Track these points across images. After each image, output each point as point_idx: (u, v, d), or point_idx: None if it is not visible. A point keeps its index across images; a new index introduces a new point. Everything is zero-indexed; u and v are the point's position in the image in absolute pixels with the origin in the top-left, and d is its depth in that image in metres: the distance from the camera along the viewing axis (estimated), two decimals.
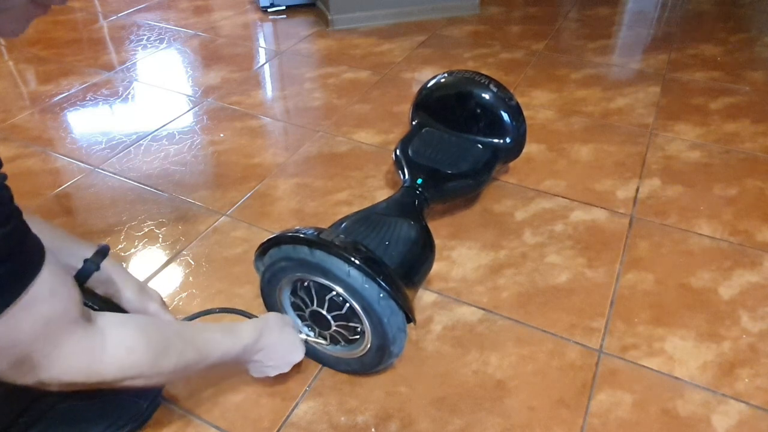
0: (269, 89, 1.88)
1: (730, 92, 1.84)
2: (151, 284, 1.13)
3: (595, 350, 1.01)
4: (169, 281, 1.15)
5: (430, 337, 1.03)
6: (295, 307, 0.94)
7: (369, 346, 0.88)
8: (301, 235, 0.83)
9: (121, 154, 1.52)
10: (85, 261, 0.81)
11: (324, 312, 0.87)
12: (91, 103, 1.76)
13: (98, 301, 0.86)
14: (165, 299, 1.10)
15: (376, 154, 1.52)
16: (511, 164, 1.46)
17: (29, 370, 0.56)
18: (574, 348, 1.01)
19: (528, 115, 1.39)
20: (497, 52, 2.10)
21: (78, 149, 1.54)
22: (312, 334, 0.94)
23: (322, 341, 0.94)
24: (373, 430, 0.89)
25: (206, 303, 1.10)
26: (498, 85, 1.30)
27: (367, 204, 1.30)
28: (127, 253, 1.21)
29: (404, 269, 0.94)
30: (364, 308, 0.83)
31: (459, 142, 1.28)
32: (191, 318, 1.00)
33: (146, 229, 1.27)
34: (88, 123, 1.66)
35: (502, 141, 1.30)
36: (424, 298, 1.11)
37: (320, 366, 0.98)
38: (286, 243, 0.85)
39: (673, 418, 0.91)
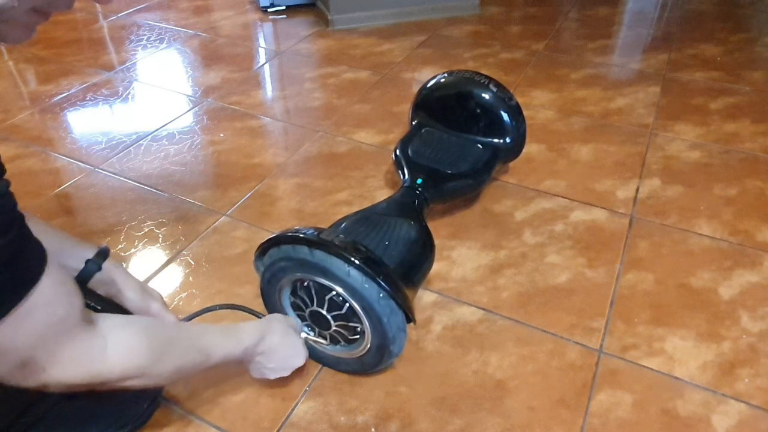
0: (269, 89, 1.88)
1: (730, 92, 1.84)
2: (151, 284, 1.13)
3: (595, 350, 1.01)
4: (169, 281, 1.15)
5: (430, 337, 1.03)
6: (295, 307, 0.94)
7: (369, 345, 0.88)
8: (301, 235, 0.83)
9: (121, 154, 1.52)
10: (87, 262, 0.81)
11: (324, 312, 0.87)
12: (91, 103, 1.76)
13: (100, 302, 0.86)
14: (165, 299, 1.09)
15: (376, 154, 1.53)
16: (511, 164, 1.46)
17: (32, 373, 0.57)
18: (574, 348, 1.01)
19: (528, 115, 1.38)
20: (497, 52, 2.10)
21: (78, 149, 1.54)
22: (312, 334, 0.94)
23: (322, 341, 0.94)
24: (373, 430, 0.89)
25: (206, 303, 1.10)
26: (498, 85, 1.30)
27: (367, 204, 1.30)
28: (127, 253, 1.21)
29: (404, 269, 0.94)
30: (363, 308, 0.83)
31: (459, 142, 1.28)
32: (194, 315, 1.00)
33: (146, 229, 1.27)
34: (88, 123, 1.66)
35: (502, 141, 1.30)
36: (424, 298, 1.11)
37: (320, 366, 0.98)
38: (286, 243, 0.85)
39: (673, 418, 0.91)
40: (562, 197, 1.37)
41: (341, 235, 0.94)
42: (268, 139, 1.60)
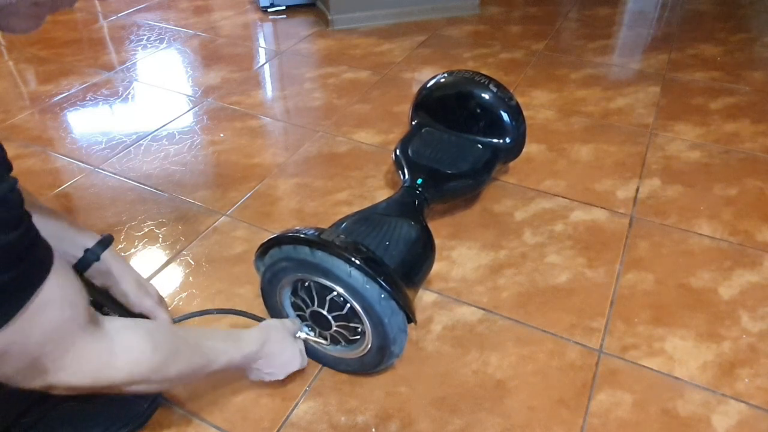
0: (269, 89, 1.88)
1: (730, 92, 1.84)
2: None
3: (595, 350, 1.01)
4: (169, 281, 1.15)
5: (430, 337, 1.04)
6: (296, 308, 0.94)
7: (369, 346, 0.88)
8: (302, 236, 0.83)
9: (121, 154, 1.52)
10: (86, 251, 0.80)
11: (324, 312, 0.87)
12: (91, 103, 1.76)
13: (93, 293, 0.85)
14: (165, 299, 1.10)
15: (376, 154, 1.53)
16: (511, 164, 1.46)
17: (38, 374, 0.56)
18: (574, 348, 1.01)
19: (528, 115, 1.39)
20: (497, 52, 2.10)
21: (78, 149, 1.54)
22: (312, 334, 0.94)
23: (323, 341, 0.94)
24: (373, 430, 0.89)
25: (206, 303, 1.10)
26: (498, 85, 1.30)
27: (367, 204, 1.30)
28: (127, 253, 1.21)
29: (404, 269, 0.94)
30: (364, 308, 0.83)
31: (459, 142, 1.28)
32: (188, 317, 1.00)
33: (146, 229, 1.27)
34: (88, 123, 1.66)
35: (501, 141, 1.30)
36: (424, 298, 1.11)
37: (320, 366, 0.98)
38: (287, 243, 0.85)
39: (673, 418, 0.91)
40: (562, 197, 1.37)
41: (342, 236, 0.94)
42: (268, 139, 1.60)
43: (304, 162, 1.49)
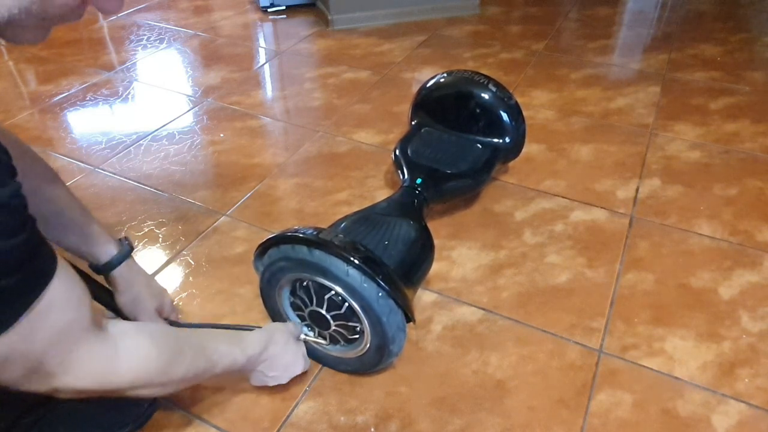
0: (269, 89, 1.88)
1: (730, 92, 1.84)
2: None
3: (595, 350, 1.01)
4: (169, 281, 1.15)
5: (430, 337, 1.03)
6: (295, 307, 0.94)
7: (368, 345, 0.88)
8: (300, 235, 0.83)
9: (121, 154, 1.52)
10: (110, 258, 0.87)
11: (323, 311, 0.87)
12: (91, 103, 1.76)
13: (104, 296, 0.89)
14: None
15: (376, 154, 1.52)
16: (511, 164, 1.46)
17: (43, 378, 0.56)
18: (574, 348, 1.01)
19: (528, 115, 1.38)
20: (497, 52, 2.10)
21: (78, 149, 1.54)
22: (312, 333, 0.94)
23: (322, 341, 0.94)
24: (373, 430, 0.89)
25: (206, 303, 1.10)
26: (497, 84, 1.30)
27: (367, 204, 1.29)
28: None
29: (403, 269, 0.94)
30: (363, 307, 0.83)
31: (458, 142, 1.28)
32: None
33: (146, 229, 1.27)
34: (88, 123, 1.66)
35: (501, 141, 1.30)
36: (424, 298, 1.11)
37: (320, 366, 0.98)
38: (285, 243, 0.85)
39: (673, 418, 0.91)
40: (562, 197, 1.37)
41: (341, 235, 0.93)
42: (268, 139, 1.60)
43: (304, 162, 1.49)
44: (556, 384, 0.95)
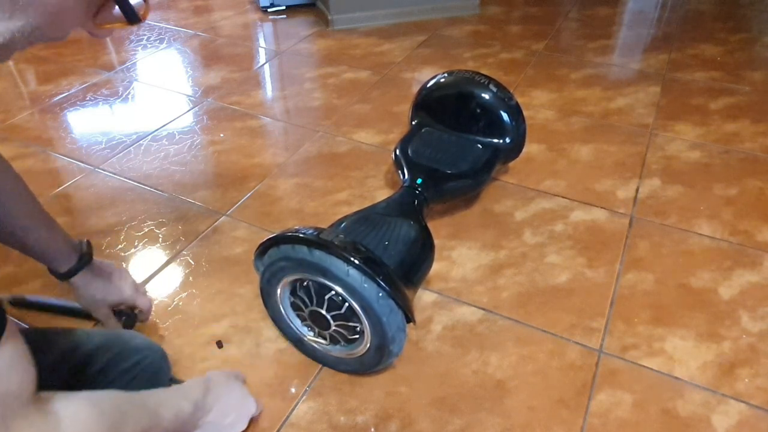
0: (269, 89, 1.88)
1: (730, 92, 1.84)
2: (151, 284, 1.14)
3: (595, 350, 1.01)
4: (169, 281, 1.15)
5: (430, 337, 1.03)
6: (295, 307, 0.94)
7: (368, 345, 0.88)
8: (300, 235, 0.83)
9: (121, 154, 1.52)
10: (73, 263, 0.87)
11: (323, 312, 0.87)
12: (91, 103, 1.76)
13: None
14: (165, 299, 1.10)
15: (376, 154, 1.52)
16: (511, 164, 1.46)
17: None
18: (574, 348, 1.01)
19: (528, 115, 1.38)
20: (497, 52, 2.10)
21: (78, 149, 1.54)
22: (311, 334, 0.94)
23: (322, 341, 0.94)
24: (373, 430, 0.89)
25: (206, 303, 1.10)
26: (497, 85, 1.30)
27: (367, 204, 1.29)
28: (127, 253, 1.21)
29: (403, 269, 0.94)
30: (363, 307, 0.83)
31: (459, 142, 1.28)
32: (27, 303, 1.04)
33: (146, 229, 1.27)
34: (88, 123, 1.66)
35: (501, 141, 1.30)
36: (424, 298, 1.11)
37: (320, 366, 0.98)
38: (286, 243, 0.85)
39: (673, 418, 0.91)
40: (562, 197, 1.37)
41: (341, 235, 0.93)
42: (268, 139, 1.60)
43: (304, 162, 1.49)
44: (556, 384, 0.95)
